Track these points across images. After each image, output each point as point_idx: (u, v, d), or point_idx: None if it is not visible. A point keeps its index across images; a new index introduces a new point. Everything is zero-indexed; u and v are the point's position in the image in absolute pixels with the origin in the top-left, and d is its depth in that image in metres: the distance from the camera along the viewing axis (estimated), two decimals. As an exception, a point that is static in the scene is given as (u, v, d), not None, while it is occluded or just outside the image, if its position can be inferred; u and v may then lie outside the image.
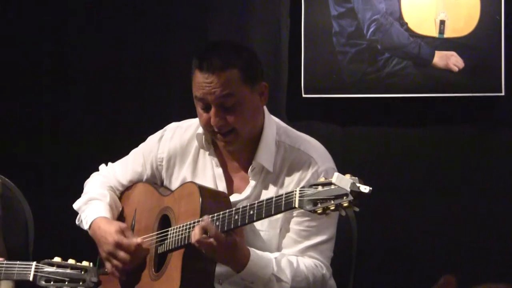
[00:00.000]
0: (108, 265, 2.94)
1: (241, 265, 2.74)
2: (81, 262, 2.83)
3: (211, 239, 2.66)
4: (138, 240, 2.89)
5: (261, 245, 2.87)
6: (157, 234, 2.92)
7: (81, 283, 2.78)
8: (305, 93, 4.05)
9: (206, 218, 2.69)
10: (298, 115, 4.06)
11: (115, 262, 2.90)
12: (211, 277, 2.82)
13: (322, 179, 2.51)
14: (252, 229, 2.87)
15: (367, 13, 3.99)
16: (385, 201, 3.93)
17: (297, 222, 2.86)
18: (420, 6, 3.97)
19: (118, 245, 2.88)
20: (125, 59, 4.26)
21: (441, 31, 3.96)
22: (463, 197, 3.99)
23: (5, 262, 2.88)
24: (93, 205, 3.04)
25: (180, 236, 2.80)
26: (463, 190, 4.00)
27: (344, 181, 2.43)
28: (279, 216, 2.85)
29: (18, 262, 2.85)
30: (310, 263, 2.84)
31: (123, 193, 3.14)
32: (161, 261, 2.88)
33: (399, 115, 4.05)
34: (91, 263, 2.83)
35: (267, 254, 2.81)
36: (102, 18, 4.27)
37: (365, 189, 2.41)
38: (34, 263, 2.81)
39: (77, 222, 3.10)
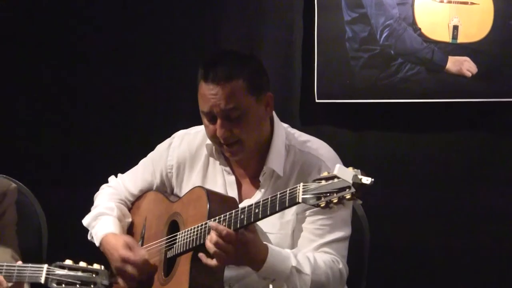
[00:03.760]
0: (119, 280, 2.97)
1: (259, 262, 2.71)
2: (92, 265, 2.85)
3: (222, 241, 2.65)
4: (145, 255, 2.93)
5: None
6: (166, 239, 2.94)
7: (92, 286, 2.80)
8: (318, 98, 4.05)
9: (213, 222, 2.69)
10: (311, 120, 4.08)
11: (124, 276, 2.94)
12: (220, 280, 2.82)
13: (325, 174, 2.48)
14: (262, 232, 2.86)
15: (380, 19, 3.99)
16: (398, 206, 3.94)
17: (311, 221, 2.85)
18: (433, 11, 3.96)
19: (125, 261, 2.92)
20: (135, 64, 4.27)
21: (455, 37, 3.95)
22: (477, 202, 3.99)
23: (17, 264, 2.92)
24: (102, 221, 3.07)
25: (187, 240, 2.81)
26: (478, 194, 4.00)
27: (346, 173, 2.41)
28: (291, 218, 2.86)
29: (30, 265, 2.88)
30: (327, 258, 2.82)
31: (134, 203, 3.17)
32: (171, 266, 2.90)
33: (412, 120, 4.05)
34: (102, 266, 2.85)
35: (284, 249, 2.79)
36: (114, 24, 4.29)
37: (367, 180, 2.39)
38: (46, 265, 2.83)
39: (89, 238, 3.13)
